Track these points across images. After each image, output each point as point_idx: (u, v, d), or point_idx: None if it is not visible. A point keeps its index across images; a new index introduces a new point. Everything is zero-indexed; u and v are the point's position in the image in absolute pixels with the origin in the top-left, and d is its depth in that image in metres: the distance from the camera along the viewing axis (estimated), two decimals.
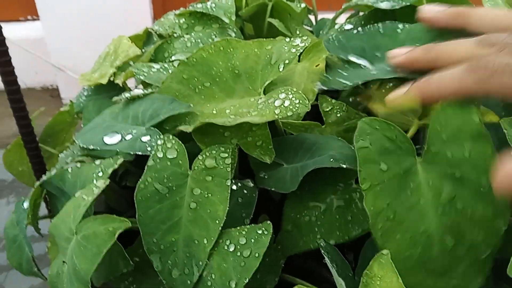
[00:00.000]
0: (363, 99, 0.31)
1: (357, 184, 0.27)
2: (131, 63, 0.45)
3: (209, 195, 0.27)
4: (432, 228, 0.22)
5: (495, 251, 0.23)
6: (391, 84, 0.29)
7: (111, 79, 0.44)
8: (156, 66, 0.39)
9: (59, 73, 1.29)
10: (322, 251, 0.24)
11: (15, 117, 0.44)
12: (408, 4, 0.33)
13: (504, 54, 0.22)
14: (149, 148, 0.29)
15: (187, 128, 0.29)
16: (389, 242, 0.22)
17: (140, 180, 0.27)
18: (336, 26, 0.42)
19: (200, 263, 0.25)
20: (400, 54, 0.27)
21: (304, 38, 0.31)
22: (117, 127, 0.32)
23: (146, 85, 0.43)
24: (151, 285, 0.29)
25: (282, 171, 0.29)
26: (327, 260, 0.24)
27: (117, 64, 0.43)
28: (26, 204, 0.33)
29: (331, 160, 0.26)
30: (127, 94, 0.34)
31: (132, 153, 0.29)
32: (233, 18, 0.43)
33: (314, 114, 0.32)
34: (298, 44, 0.31)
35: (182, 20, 0.45)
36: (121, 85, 0.43)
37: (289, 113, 0.26)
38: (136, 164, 0.34)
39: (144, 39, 0.51)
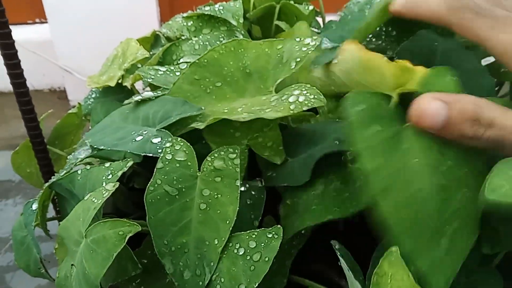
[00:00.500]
0: None
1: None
2: (139, 65, 0.45)
3: (219, 196, 0.27)
4: (425, 187, 0.23)
5: (481, 214, 0.23)
6: None
7: (119, 81, 0.44)
8: (163, 69, 0.39)
9: (67, 75, 1.29)
10: (338, 254, 0.24)
11: (23, 119, 0.45)
12: None
13: None
14: (159, 150, 0.29)
15: (200, 126, 0.29)
16: (386, 200, 0.22)
17: (150, 182, 0.27)
18: None
19: (212, 264, 0.25)
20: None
21: (315, 37, 0.31)
22: (127, 128, 0.32)
23: (153, 87, 0.43)
24: (159, 287, 0.29)
25: (290, 166, 0.29)
26: (342, 263, 0.24)
27: (126, 67, 0.44)
28: (34, 206, 0.33)
29: (336, 142, 0.26)
30: (138, 96, 0.34)
31: (142, 154, 0.29)
32: (241, 20, 0.43)
33: None
34: (309, 43, 0.31)
35: (190, 23, 0.46)
36: (129, 87, 0.43)
37: (305, 108, 0.26)
38: (143, 165, 0.34)
39: (152, 41, 0.51)
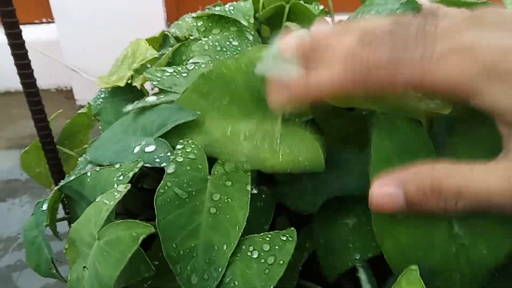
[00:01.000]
0: None
1: None
2: (149, 65, 0.45)
3: (229, 200, 0.26)
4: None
5: None
6: None
7: (129, 81, 0.44)
8: (170, 70, 0.38)
9: (74, 75, 1.30)
10: (359, 269, 0.24)
11: (33, 119, 0.45)
12: None
13: (380, 49, 0.19)
14: (157, 160, 0.29)
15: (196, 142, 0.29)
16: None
17: (160, 185, 0.27)
18: None
19: (220, 269, 0.25)
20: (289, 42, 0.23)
21: None
22: (127, 140, 0.32)
23: (161, 89, 0.43)
24: None
25: (304, 187, 0.29)
26: (362, 279, 0.23)
27: (135, 67, 0.43)
28: (45, 206, 0.33)
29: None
30: (139, 104, 0.34)
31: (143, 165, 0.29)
32: (252, 21, 0.42)
33: None
34: None
35: (200, 23, 0.45)
36: (139, 87, 0.43)
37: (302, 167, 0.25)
38: (153, 167, 0.34)
39: (160, 41, 0.51)
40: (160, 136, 0.30)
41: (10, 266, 0.88)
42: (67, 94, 1.41)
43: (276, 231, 0.25)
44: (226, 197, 0.26)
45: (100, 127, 0.44)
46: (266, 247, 0.24)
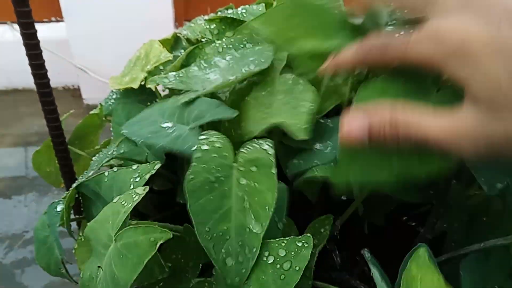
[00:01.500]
0: None
1: None
2: (162, 67, 0.45)
3: (256, 184, 0.27)
4: None
5: None
6: None
7: (142, 83, 0.44)
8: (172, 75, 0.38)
9: (81, 74, 1.31)
10: (370, 265, 0.24)
11: (45, 119, 0.45)
12: None
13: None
14: (191, 147, 0.29)
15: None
16: None
17: (189, 171, 0.27)
18: None
19: (254, 249, 0.25)
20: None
21: None
22: (163, 124, 0.32)
23: (172, 90, 0.43)
24: None
25: (318, 151, 0.30)
26: (375, 274, 0.23)
27: (148, 69, 0.44)
28: (59, 207, 0.33)
29: None
30: (184, 99, 0.34)
31: (174, 150, 0.29)
32: None
33: None
34: None
35: (213, 26, 0.46)
36: (153, 89, 0.43)
37: None
38: (164, 166, 0.34)
39: (172, 43, 0.51)
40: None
41: (15, 263, 0.88)
42: (74, 93, 1.41)
43: (292, 236, 0.25)
44: (253, 182, 0.27)
45: (111, 129, 0.44)
46: (282, 253, 0.25)
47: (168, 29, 1.20)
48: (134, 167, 0.29)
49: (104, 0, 1.19)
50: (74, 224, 0.40)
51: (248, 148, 0.28)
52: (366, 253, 0.25)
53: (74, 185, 0.32)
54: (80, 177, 0.34)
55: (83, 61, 1.29)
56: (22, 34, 0.41)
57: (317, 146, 0.31)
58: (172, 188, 0.40)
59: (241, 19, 0.44)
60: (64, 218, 0.33)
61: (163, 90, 0.48)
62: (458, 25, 0.21)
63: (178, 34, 0.51)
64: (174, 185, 0.41)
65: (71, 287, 0.41)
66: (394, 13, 0.30)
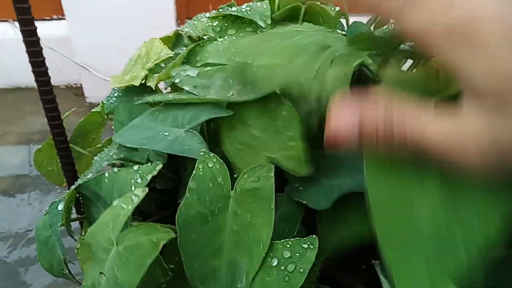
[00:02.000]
0: None
1: None
2: (163, 65, 0.45)
3: (253, 218, 0.26)
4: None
5: None
6: None
7: (143, 81, 0.43)
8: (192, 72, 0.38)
9: (83, 72, 1.30)
10: (378, 271, 0.23)
11: (47, 117, 0.44)
12: None
13: None
14: (187, 149, 0.28)
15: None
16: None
17: (182, 203, 0.26)
18: None
19: None
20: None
21: None
22: (156, 129, 0.32)
23: (174, 89, 0.42)
24: None
25: (317, 187, 0.28)
26: (382, 279, 0.23)
27: (149, 66, 0.43)
28: (60, 207, 0.33)
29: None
30: (170, 96, 0.33)
31: (172, 153, 0.29)
32: (269, 21, 0.42)
33: None
34: None
35: (215, 23, 0.45)
36: (153, 87, 0.42)
37: None
38: (165, 167, 0.34)
39: (173, 41, 0.51)
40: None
41: (19, 261, 0.89)
42: (76, 91, 1.41)
43: (298, 238, 0.25)
44: (249, 215, 0.26)
45: (113, 127, 0.44)
46: (287, 254, 0.24)
47: (170, 27, 1.19)
48: (135, 168, 0.28)
49: None
50: (76, 224, 0.39)
51: (248, 175, 0.27)
52: (378, 266, 0.24)
53: (73, 186, 0.32)
54: (80, 178, 0.34)
55: (85, 59, 1.29)
56: (22, 31, 0.40)
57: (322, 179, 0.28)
58: (174, 187, 0.40)
59: (245, 16, 0.43)
60: (64, 219, 0.32)
61: (165, 88, 0.47)
62: None
63: (179, 32, 0.50)
64: (176, 184, 0.40)
65: (75, 286, 0.41)
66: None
